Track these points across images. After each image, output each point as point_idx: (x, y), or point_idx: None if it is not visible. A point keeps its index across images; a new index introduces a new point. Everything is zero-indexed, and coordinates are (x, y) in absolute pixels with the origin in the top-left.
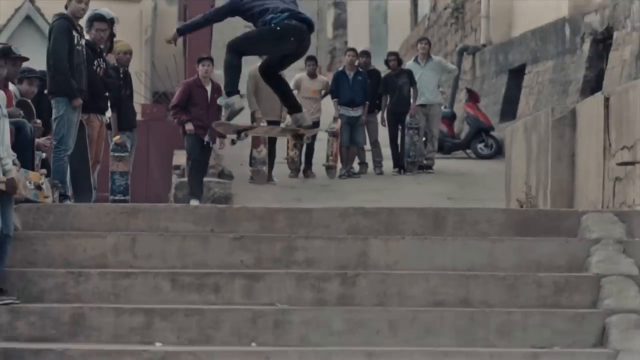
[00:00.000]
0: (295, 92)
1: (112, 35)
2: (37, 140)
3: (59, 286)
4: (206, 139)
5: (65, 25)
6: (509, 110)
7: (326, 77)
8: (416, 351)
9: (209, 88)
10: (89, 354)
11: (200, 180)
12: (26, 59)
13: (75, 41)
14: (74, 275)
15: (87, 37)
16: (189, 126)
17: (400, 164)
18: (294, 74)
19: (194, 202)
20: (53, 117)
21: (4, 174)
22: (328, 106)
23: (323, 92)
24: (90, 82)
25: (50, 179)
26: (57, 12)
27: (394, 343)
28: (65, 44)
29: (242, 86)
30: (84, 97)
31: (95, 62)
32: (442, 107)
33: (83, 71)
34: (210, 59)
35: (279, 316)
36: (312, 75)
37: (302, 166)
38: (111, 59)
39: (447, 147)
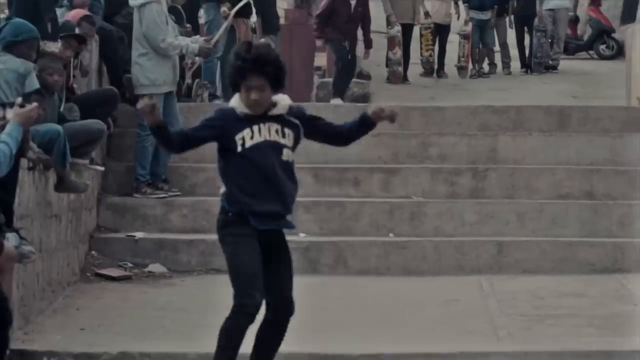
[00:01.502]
0: None
1: None
2: (199, 40)
3: (209, 180)
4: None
5: None
6: (629, 13)
7: None
8: (543, 241)
9: (353, 2)
10: None
11: (348, 81)
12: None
13: None
14: None
15: None
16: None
17: (527, 65)
18: None
19: (335, 101)
20: (204, 21)
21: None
22: (459, 10)
23: None
24: None
25: (200, 80)
26: None
27: (522, 233)
28: None
29: None
30: None
31: None
32: (569, 12)
33: None
34: None
35: (414, 208)
36: None
37: (436, 67)
38: None
39: (571, 48)
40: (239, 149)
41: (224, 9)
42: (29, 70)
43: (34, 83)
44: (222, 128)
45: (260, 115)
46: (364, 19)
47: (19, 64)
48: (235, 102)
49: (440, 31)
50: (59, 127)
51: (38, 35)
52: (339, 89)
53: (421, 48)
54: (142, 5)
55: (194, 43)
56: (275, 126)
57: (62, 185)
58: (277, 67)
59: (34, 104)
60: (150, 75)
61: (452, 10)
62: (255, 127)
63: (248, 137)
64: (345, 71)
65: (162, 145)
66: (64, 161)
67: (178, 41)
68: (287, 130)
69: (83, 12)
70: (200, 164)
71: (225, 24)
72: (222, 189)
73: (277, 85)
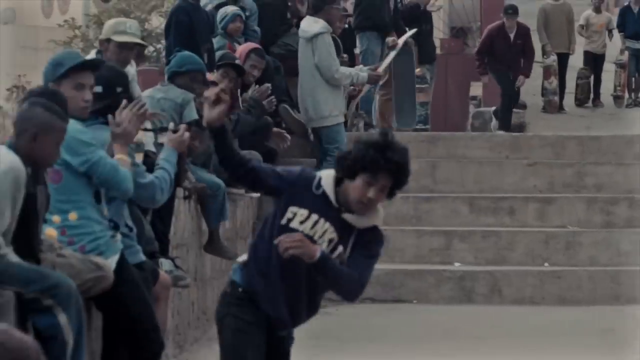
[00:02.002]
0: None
1: None
2: (364, 69)
3: None
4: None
5: None
6: None
7: (609, 14)
8: None
9: (512, 35)
10: (393, 274)
11: (510, 113)
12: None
13: None
14: None
15: None
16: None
17: None
18: (583, 9)
19: (500, 132)
20: (359, 50)
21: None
22: (616, 39)
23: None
24: None
25: (356, 110)
26: None
27: None
28: None
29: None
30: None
31: None
32: None
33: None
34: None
35: (569, 237)
36: (598, 10)
37: (592, 96)
38: None
39: None
40: (282, 221)
41: (392, 38)
42: (187, 101)
43: (192, 114)
44: (291, 186)
45: (334, 209)
46: (526, 50)
47: (178, 94)
48: (328, 181)
49: (596, 60)
50: (220, 182)
51: (203, 67)
52: (504, 122)
53: (577, 77)
54: (315, 36)
55: (361, 72)
56: (333, 234)
57: (212, 245)
58: (407, 175)
59: (182, 126)
60: (327, 106)
61: (607, 40)
62: (315, 216)
63: (299, 219)
64: (507, 103)
65: (218, 155)
66: (221, 217)
67: (349, 71)
68: (340, 248)
69: (253, 45)
70: None
71: (392, 53)
72: (243, 257)
73: (392, 194)
